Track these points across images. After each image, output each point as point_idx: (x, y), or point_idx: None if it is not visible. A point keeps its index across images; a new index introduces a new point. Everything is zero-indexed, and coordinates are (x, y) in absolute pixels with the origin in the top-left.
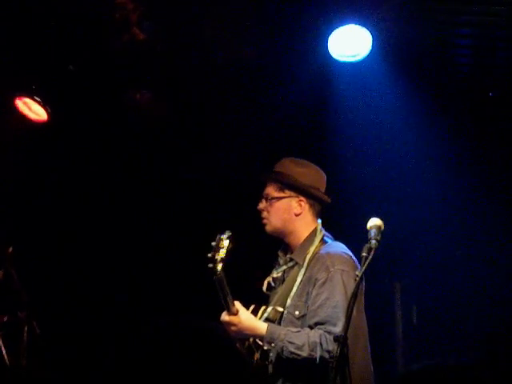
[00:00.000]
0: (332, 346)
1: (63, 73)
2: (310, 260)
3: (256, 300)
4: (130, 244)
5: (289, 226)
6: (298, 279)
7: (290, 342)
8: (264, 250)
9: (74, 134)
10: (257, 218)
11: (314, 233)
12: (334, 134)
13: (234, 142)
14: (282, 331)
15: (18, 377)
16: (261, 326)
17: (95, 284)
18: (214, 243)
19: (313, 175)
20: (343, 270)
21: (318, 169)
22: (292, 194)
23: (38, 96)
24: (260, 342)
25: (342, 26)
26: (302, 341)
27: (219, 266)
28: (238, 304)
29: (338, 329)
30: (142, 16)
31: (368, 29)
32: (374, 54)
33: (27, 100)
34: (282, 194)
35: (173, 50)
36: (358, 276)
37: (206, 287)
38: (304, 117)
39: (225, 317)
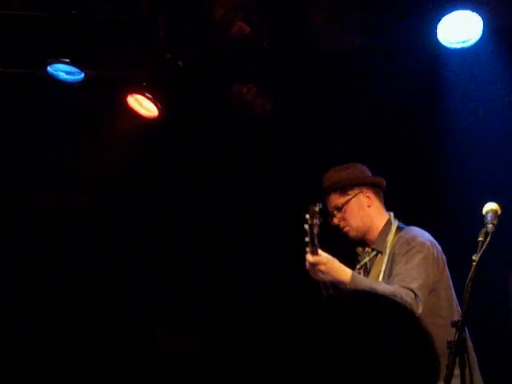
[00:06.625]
0: (410, 300)
1: (173, 69)
2: (392, 246)
3: None
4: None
5: (367, 220)
6: (384, 265)
7: (371, 289)
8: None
9: (183, 129)
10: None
11: (388, 223)
12: (444, 121)
13: (340, 132)
14: (364, 278)
15: None
16: (346, 270)
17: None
18: (308, 216)
19: (358, 169)
20: (424, 243)
21: (358, 164)
22: (355, 190)
23: (148, 92)
24: (341, 286)
25: (451, 11)
26: (383, 289)
27: (316, 241)
28: (320, 251)
29: (412, 285)
30: (248, 10)
31: (479, 14)
32: (485, 40)
33: (138, 97)
34: (348, 197)
35: (279, 43)
36: (474, 261)
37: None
38: (413, 105)
39: (311, 258)
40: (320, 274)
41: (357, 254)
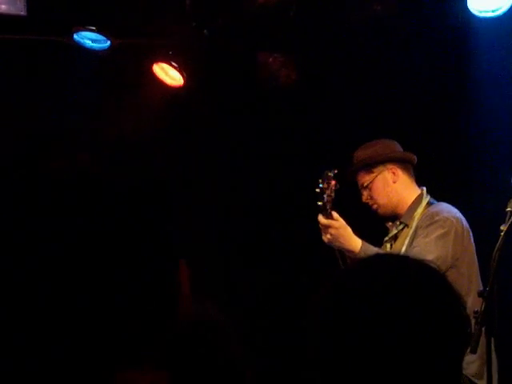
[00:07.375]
0: None
1: (199, 38)
2: (418, 219)
3: None
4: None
5: (393, 196)
6: (408, 238)
7: None
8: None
9: (208, 98)
10: None
11: (420, 197)
12: (474, 92)
13: (367, 103)
14: (374, 249)
15: None
16: (356, 239)
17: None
18: (320, 180)
19: (385, 145)
20: (447, 218)
21: (387, 139)
22: (380, 168)
23: (174, 61)
24: (350, 256)
25: None
26: None
27: (328, 205)
28: (336, 214)
29: (427, 257)
30: None
31: None
32: None
33: (164, 65)
34: (373, 175)
35: (306, 12)
36: (502, 231)
37: None
38: (441, 74)
39: (323, 219)
40: (330, 237)
41: (387, 229)
